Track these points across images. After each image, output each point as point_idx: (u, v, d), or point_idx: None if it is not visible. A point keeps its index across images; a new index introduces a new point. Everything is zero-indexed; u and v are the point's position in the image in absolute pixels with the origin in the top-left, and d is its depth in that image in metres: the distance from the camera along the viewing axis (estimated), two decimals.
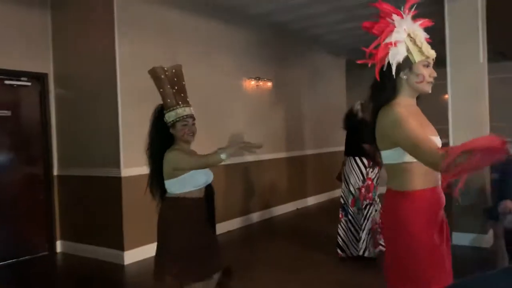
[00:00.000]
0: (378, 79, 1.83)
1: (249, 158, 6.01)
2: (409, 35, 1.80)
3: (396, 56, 1.78)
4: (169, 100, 2.53)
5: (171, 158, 2.48)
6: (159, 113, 2.59)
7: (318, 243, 4.97)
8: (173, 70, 2.59)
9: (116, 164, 4.59)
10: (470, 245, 4.57)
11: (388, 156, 1.82)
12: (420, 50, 1.80)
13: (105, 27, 4.62)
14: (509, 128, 5.92)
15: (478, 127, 4.62)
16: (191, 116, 2.56)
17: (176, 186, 2.49)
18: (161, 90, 2.54)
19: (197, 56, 5.43)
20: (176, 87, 2.55)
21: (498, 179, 3.78)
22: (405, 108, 1.78)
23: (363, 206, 4.32)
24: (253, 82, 6.29)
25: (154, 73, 2.56)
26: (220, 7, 5.69)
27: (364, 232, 4.27)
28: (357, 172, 4.36)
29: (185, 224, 2.49)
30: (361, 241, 4.28)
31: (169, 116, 2.51)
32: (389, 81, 1.83)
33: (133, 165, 4.64)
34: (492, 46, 7.43)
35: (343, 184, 4.47)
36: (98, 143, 4.78)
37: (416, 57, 1.79)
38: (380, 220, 4.07)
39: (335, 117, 8.60)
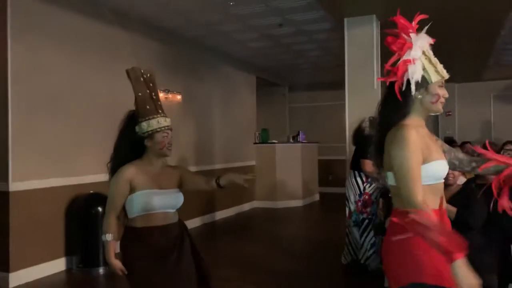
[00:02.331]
0: (400, 98, 1.76)
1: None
2: (423, 53, 1.76)
3: (414, 74, 1.73)
4: (148, 107, 2.24)
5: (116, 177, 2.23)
6: (130, 120, 2.29)
7: (222, 260, 4.98)
8: (148, 74, 2.32)
9: (4, 177, 4.19)
10: None
11: (392, 177, 1.75)
12: (436, 70, 1.76)
13: None
14: None
15: None
16: (171, 128, 2.30)
17: (128, 206, 2.24)
18: (140, 94, 2.25)
19: (101, 64, 5.20)
20: (153, 93, 2.30)
21: (386, 195, 4.11)
22: (416, 130, 1.72)
23: (360, 220, 4.38)
24: (161, 95, 6.17)
25: (134, 74, 2.28)
26: (126, 17, 5.53)
27: (365, 243, 4.33)
28: (355, 186, 4.45)
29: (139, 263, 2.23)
30: (362, 249, 4.36)
31: (148, 125, 2.21)
32: (404, 100, 1.77)
33: (25, 179, 4.27)
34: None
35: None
36: None
37: (433, 77, 1.75)
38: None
39: (245, 132, 8.80)
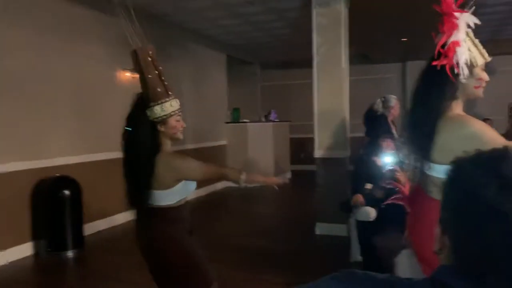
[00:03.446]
0: (454, 80, 1.66)
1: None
2: (467, 34, 1.68)
3: (462, 56, 1.65)
4: (159, 90, 2.07)
5: (180, 166, 2.06)
6: (142, 104, 2.10)
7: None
8: (150, 52, 2.12)
9: None
10: (330, 234, 5.01)
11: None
12: (480, 52, 1.69)
13: None
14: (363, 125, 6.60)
15: (340, 125, 5.08)
16: (181, 110, 2.17)
17: (169, 196, 2.09)
18: (150, 76, 2.06)
19: (64, 45, 5.03)
20: (161, 74, 2.12)
21: (353, 172, 4.18)
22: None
23: None
24: (128, 74, 6.03)
25: (143, 54, 2.08)
26: None
27: None
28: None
29: (184, 238, 2.17)
30: None
31: (162, 110, 2.06)
32: (453, 85, 1.67)
33: None
34: (357, 50, 8.21)
35: None
36: None
37: (478, 60, 1.68)
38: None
39: (216, 112, 8.74)
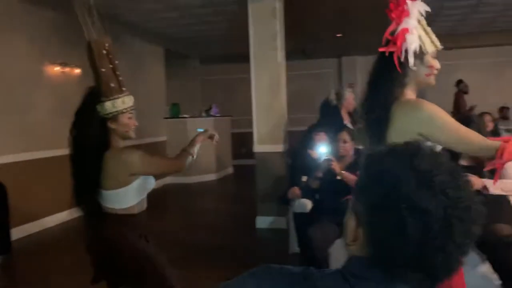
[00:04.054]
0: (400, 70, 1.65)
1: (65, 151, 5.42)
2: (419, 21, 1.67)
3: (412, 44, 1.64)
4: (112, 85, 1.99)
5: (132, 161, 1.96)
6: (92, 99, 2.01)
7: None
8: (107, 45, 2.04)
9: None
10: (270, 227, 5.08)
11: None
12: (431, 40, 1.69)
13: None
14: (304, 119, 6.78)
15: (278, 119, 5.15)
16: (134, 108, 2.09)
17: (126, 197, 1.99)
18: (103, 70, 1.98)
19: None
20: (115, 68, 2.04)
21: (289, 165, 4.27)
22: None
23: None
24: (57, 68, 5.72)
25: (98, 47, 1.99)
26: None
27: None
28: None
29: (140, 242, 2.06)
30: None
31: (113, 106, 1.98)
32: (403, 71, 1.66)
33: None
34: (294, 45, 8.34)
35: None
36: None
37: (429, 48, 1.67)
38: None
39: (154, 107, 8.52)
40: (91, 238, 2.08)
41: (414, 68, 1.67)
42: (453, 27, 8.36)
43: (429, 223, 0.73)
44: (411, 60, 1.64)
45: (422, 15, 1.69)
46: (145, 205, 2.13)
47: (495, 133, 4.92)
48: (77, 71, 6.10)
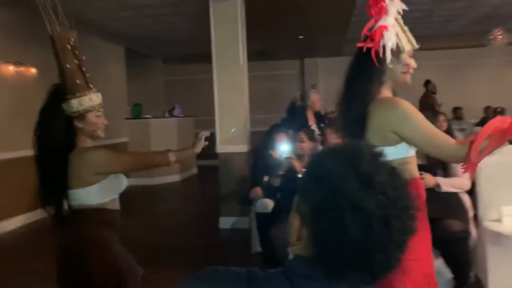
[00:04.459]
0: (377, 65, 1.65)
1: (22, 152, 5.16)
2: (396, 20, 1.69)
3: (389, 41, 1.64)
4: (78, 82, 1.90)
5: (95, 159, 1.87)
6: (57, 96, 1.91)
7: None
8: (72, 39, 1.94)
9: None
10: (233, 227, 5.09)
11: (390, 152, 1.59)
12: (408, 38, 1.71)
13: None
14: (267, 119, 6.83)
15: (240, 119, 5.17)
16: (102, 106, 2.01)
17: (94, 194, 1.90)
18: (68, 66, 1.89)
19: None
20: (81, 64, 1.94)
21: (252, 166, 4.29)
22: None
23: None
24: (11, 68, 5.51)
25: (62, 41, 1.89)
26: None
27: None
28: None
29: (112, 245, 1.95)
30: None
31: (79, 104, 1.89)
32: (380, 67, 1.67)
33: None
34: (257, 46, 8.37)
35: None
36: None
37: (406, 46, 1.68)
38: None
39: (115, 108, 8.32)
40: (61, 238, 1.99)
41: (391, 65, 1.68)
42: (411, 30, 8.66)
43: (369, 222, 0.75)
44: (388, 56, 1.65)
45: (399, 14, 1.71)
46: (117, 206, 2.05)
47: (448, 132, 5.13)
48: (33, 70, 5.89)
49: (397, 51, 1.68)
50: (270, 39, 8.32)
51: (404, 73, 1.72)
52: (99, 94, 2.01)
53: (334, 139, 3.90)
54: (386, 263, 0.79)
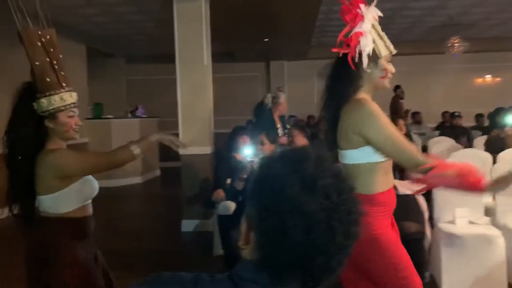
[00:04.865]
0: (354, 68, 1.69)
1: None
2: (373, 26, 1.72)
3: (366, 47, 1.68)
4: (48, 80, 1.80)
5: (54, 162, 1.76)
6: (26, 95, 1.82)
7: None
8: (48, 37, 1.88)
9: None
10: (195, 230, 5.03)
11: (352, 156, 1.68)
12: (385, 44, 1.74)
13: None
14: (232, 121, 6.82)
15: (204, 121, 5.12)
16: (77, 105, 1.89)
17: (62, 201, 1.79)
18: (37, 63, 1.80)
19: None
20: (55, 62, 1.85)
21: (215, 168, 4.26)
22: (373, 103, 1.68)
23: None
24: None
25: (29, 37, 1.80)
26: None
27: None
28: None
29: (81, 256, 1.83)
30: None
31: (49, 103, 1.79)
32: (357, 72, 1.70)
33: None
34: (222, 48, 8.35)
35: None
36: None
37: (383, 51, 1.72)
38: None
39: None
40: (26, 245, 1.88)
41: (368, 70, 1.72)
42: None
43: (311, 225, 0.76)
44: (365, 61, 1.68)
45: (376, 20, 1.75)
46: (89, 212, 1.96)
47: (407, 136, 5.29)
48: None
49: (374, 57, 1.72)
50: (236, 40, 8.31)
51: (383, 77, 1.76)
52: (74, 94, 1.90)
53: (301, 140, 3.94)
54: (328, 267, 0.79)
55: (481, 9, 7.29)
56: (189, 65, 5.03)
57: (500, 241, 3.00)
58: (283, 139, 4.31)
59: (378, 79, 1.76)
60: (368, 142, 1.66)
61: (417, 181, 1.67)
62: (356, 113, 1.68)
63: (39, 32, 1.87)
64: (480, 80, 11.05)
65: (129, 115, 9.15)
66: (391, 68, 1.77)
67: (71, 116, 1.86)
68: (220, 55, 8.77)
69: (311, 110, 10.63)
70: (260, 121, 4.63)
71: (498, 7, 7.19)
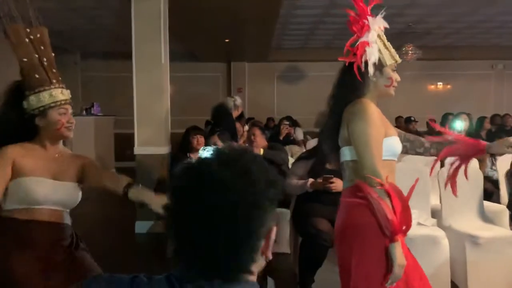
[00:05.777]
0: (360, 78, 1.76)
1: None
2: (379, 36, 1.79)
3: (372, 56, 1.75)
4: (37, 76, 1.76)
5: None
6: (15, 93, 1.78)
7: None
8: (38, 35, 1.83)
9: None
10: (149, 231, 4.95)
11: (352, 152, 1.73)
12: (390, 53, 1.81)
13: None
14: (189, 121, 6.75)
15: (161, 120, 5.04)
16: (69, 103, 1.83)
17: (8, 194, 1.76)
18: (25, 60, 1.77)
19: None
20: (45, 59, 1.80)
21: (170, 168, 4.19)
22: (373, 104, 1.78)
23: None
24: None
25: (16, 35, 1.76)
26: None
27: None
28: None
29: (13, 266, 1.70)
30: None
31: (38, 100, 1.74)
32: (362, 81, 1.77)
33: None
34: (183, 47, 8.26)
35: None
36: None
37: (388, 60, 1.79)
38: None
39: None
40: None
41: (374, 79, 1.79)
42: (330, 43, 9.15)
43: (215, 221, 0.78)
44: (370, 70, 1.76)
45: (382, 30, 1.83)
46: (45, 218, 1.82)
47: None
48: None
49: (379, 66, 1.79)
50: (195, 40, 8.24)
51: (387, 86, 1.83)
52: (65, 91, 1.86)
53: (261, 140, 3.98)
54: (236, 262, 0.81)
55: (435, 19, 7.61)
56: (146, 63, 4.95)
57: (444, 242, 3.13)
58: (215, 138, 4.33)
59: (383, 87, 1.83)
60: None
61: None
62: (351, 108, 1.77)
63: (28, 30, 1.84)
64: (432, 86, 11.53)
65: (84, 112, 8.87)
66: (396, 76, 1.84)
67: (63, 114, 1.81)
68: (181, 55, 8.68)
69: (270, 112, 10.72)
70: (226, 125, 4.68)
71: (451, 17, 7.53)
